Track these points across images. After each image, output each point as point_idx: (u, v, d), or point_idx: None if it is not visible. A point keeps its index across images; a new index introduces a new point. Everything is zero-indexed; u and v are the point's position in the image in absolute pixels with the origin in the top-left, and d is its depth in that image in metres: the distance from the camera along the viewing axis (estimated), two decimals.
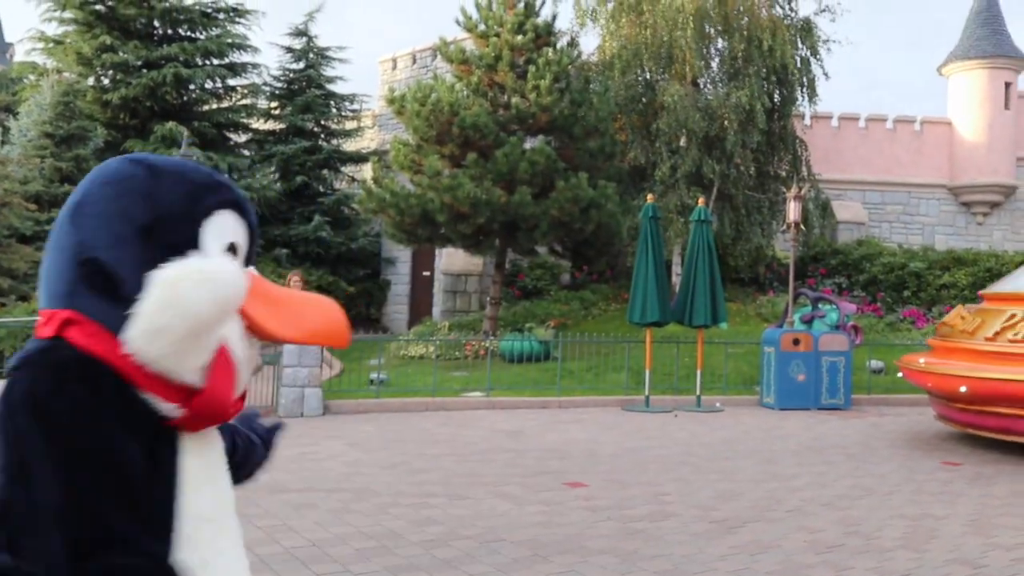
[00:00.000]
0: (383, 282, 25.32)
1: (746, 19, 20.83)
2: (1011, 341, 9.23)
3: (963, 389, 9.31)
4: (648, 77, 21.78)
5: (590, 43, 22.95)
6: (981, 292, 11.13)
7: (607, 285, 21.92)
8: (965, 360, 9.57)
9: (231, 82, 24.89)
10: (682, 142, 20.47)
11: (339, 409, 12.67)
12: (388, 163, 19.20)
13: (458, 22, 18.25)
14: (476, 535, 5.98)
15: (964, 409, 9.78)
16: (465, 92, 17.55)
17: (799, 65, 21.43)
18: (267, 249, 22.92)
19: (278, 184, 24.06)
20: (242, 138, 25.92)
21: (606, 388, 14.63)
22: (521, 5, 18.11)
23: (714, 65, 21.93)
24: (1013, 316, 9.41)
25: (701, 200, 14.97)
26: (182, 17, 23.46)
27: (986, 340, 9.49)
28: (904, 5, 65.24)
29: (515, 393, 14.11)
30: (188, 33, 23.99)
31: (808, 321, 14.45)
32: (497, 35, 17.73)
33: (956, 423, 10.23)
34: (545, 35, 18.00)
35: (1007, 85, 25.16)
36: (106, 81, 23.19)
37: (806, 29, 21.78)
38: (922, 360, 10.24)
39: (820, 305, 14.78)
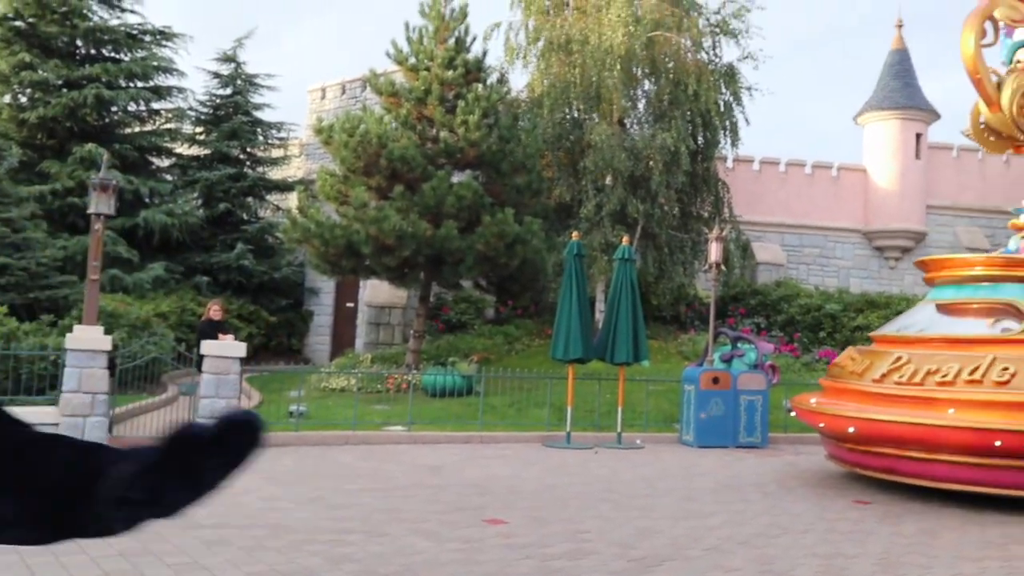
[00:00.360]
0: (306, 313, 25.01)
1: (672, 63, 21.32)
2: (897, 383, 9.31)
3: (851, 430, 9.36)
4: (576, 116, 22.10)
5: (519, 80, 23.29)
6: (871, 334, 11.24)
7: (531, 320, 22.01)
8: (854, 401, 9.66)
9: (155, 105, 24.47)
10: (608, 181, 20.76)
11: None
12: (314, 193, 19.07)
13: (388, 55, 18.30)
14: (393, 573, 5.91)
15: (852, 449, 9.85)
16: (394, 124, 17.56)
17: (722, 109, 21.98)
18: (187, 277, 22.48)
19: (200, 210, 23.67)
20: (165, 163, 25.46)
21: (528, 424, 14.64)
22: (452, 41, 18.23)
23: (641, 106, 22.37)
24: (899, 358, 9.49)
25: (625, 239, 15.18)
26: (106, 37, 23.04)
27: (874, 382, 9.58)
28: (824, 55, 67.52)
29: (437, 427, 14.03)
30: (112, 54, 23.54)
31: (727, 360, 14.70)
32: (427, 69, 17.80)
33: (844, 463, 10.32)
34: (475, 71, 18.14)
35: (918, 136, 26.18)
36: (24, 99, 22.59)
37: (730, 75, 22.37)
38: (813, 400, 10.30)
39: (739, 344, 15.06)
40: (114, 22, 23.45)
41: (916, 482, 9.20)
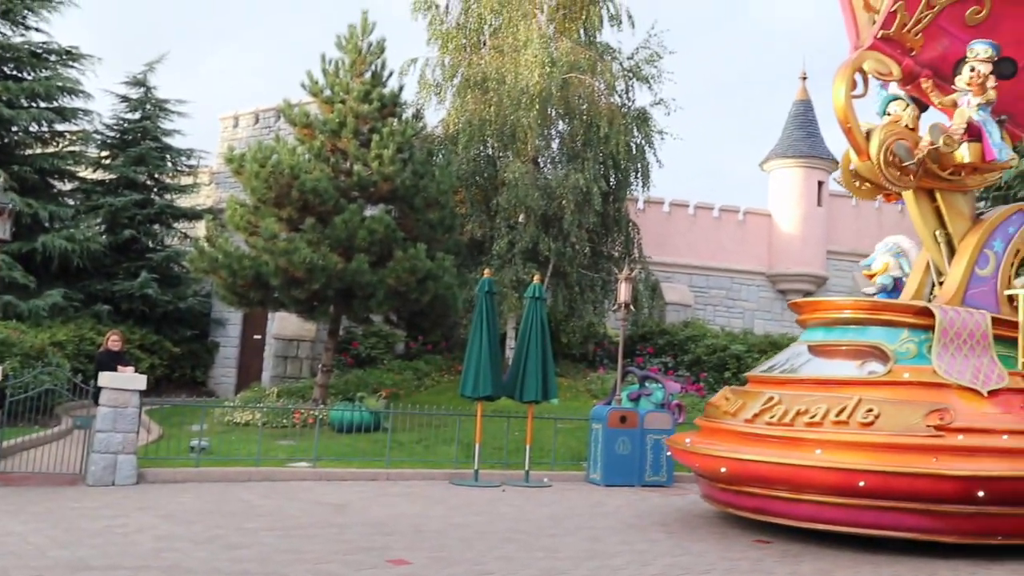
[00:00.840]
0: (211, 344, 24.45)
1: (586, 105, 21.70)
2: (768, 423, 9.35)
3: (723, 470, 9.40)
4: (491, 153, 22.28)
5: (435, 116, 23.37)
6: (747, 374, 11.31)
7: (441, 356, 21.93)
8: (726, 441, 9.68)
9: (59, 127, 23.73)
10: (521, 219, 20.94)
11: (155, 478, 12.04)
12: (223, 222, 18.72)
13: (304, 86, 18.16)
14: None
15: (724, 489, 9.87)
16: (307, 156, 17.40)
17: (634, 152, 22.43)
18: (87, 305, 21.76)
19: (104, 237, 22.99)
20: (68, 186, 24.66)
21: (436, 461, 14.53)
22: (369, 75, 18.21)
23: (555, 146, 22.67)
24: (771, 399, 9.56)
25: (536, 277, 15.29)
26: (8, 55, 22.32)
27: (745, 422, 9.61)
28: (736, 103, 69.61)
29: (343, 464, 13.81)
30: (14, 72, 22.80)
31: (635, 399, 14.86)
32: (343, 102, 17.73)
33: (717, 502, 10.32)
34: (391, 105, 18.14)
35: (820, 184, 27.17)
36: None
37: (642, 119, 22.86)
38: (688, 440, 10.29)
39: (647, 383, 15.25)
40: (17, 39, 22.75)
41: (784, 522, 9.30)
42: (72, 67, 23.60)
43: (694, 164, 61.42)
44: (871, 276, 11.48)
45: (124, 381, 11.84)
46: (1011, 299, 10.02)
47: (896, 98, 10.31)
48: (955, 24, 10.05)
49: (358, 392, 18.00)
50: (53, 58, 23.34)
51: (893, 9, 9.63)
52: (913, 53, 9.99)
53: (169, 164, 25.67)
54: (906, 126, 10.06)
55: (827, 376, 9.72)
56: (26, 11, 22.74)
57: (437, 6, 23.65)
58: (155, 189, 25.23)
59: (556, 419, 15.89)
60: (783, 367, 10.45)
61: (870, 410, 8.82)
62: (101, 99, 34.65)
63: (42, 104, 22.93)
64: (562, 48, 21.41)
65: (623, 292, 15.97)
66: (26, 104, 22.47)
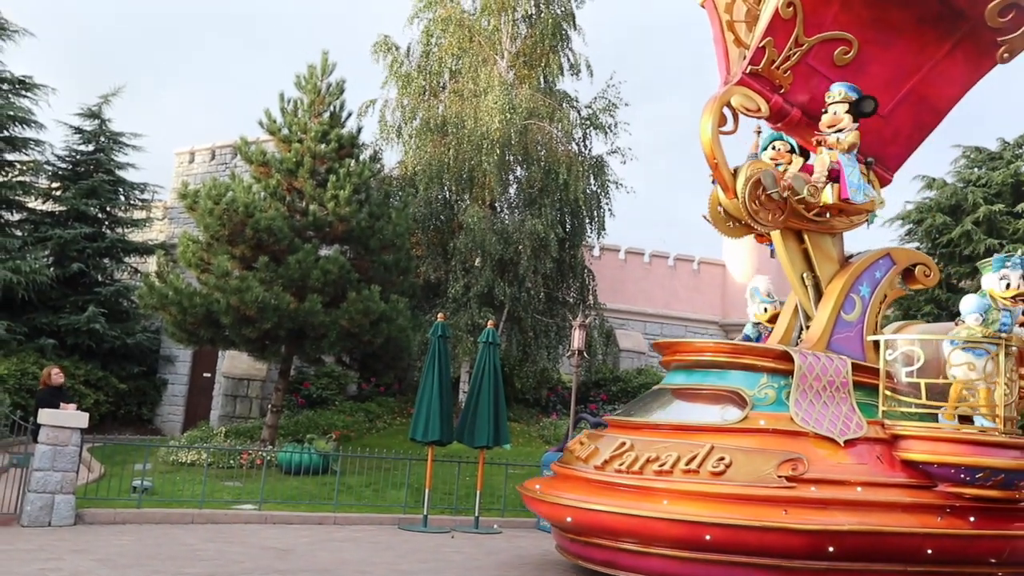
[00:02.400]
0: (159, 381, 24.00)
1: (544, 152, 21.89)
2: (617, 471, 8.83)
3: (569, 519, 8.91)
4: (448, 196, 22.34)
5: (393, 157, 23.43)
6: (607, 417, 10.74)
7: (394, 398, 21.76)
8: (574, 489, 9.11)
9: (8, 156, 23.32)
10: (477, 262, 20.96)
11: (94, 519, 11.71)
12: (175, 258, 18.48)
13: (261, 124, 18.10)
14: None
15: (574, 540, 9.34)
16: (263, 194, 17.30)
17: (590, 199, 22.62)
18: (31, 338, 21.27)
19: (51, 269, 22.54)
20: (15, 216, 24.19)
21: (385, 505, 14.32)
22: (327, 115, 18.21)
23: (512, 191, 22.80)
24: (623, 444, 9.07)
25: (491, 322, 15.26)
26: None
27: (595, 468, 9.07)
28: (690, 153, 70.69)
29: (290, 507, 13.56)
30: None
31: None
32: (300, 141, 17.69)
33: (569, 554, 9.76)
34: (349, 146, 18.13)
35: None
36: None
37: (599, 167, 23.10)
38: (538, 487, 9.72)
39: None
40: None
41: None
42: (25, 96, 23.26)
43: (650, 213, 62.12)
44: (765, 320, 11.36)
45: (65, 418, 11.55)
46: (876, 345, 9.65)
47: (780, 138, 10.22)
48: (824, 64, 9.88)
49: (308, 434, 17.75)
50: (5, 87, 22.99)
51: (761, 45, 9.44)
52: (782, 91, 9.80)
53: (122, 198, 25.33)
54: (784, 170, 9.88)
55: (680, 422, 9.26)
56: None
57: (398, 48, 23.82)
58: (106, 222, 24.87)
59: (508, 465, 15.78)
60: (640, 411, 10.00)
61: (721, 458, 8.43)
62: (54, 130, 34.27)
63: None
64: (522, 94, 21.62)
65: (577, 338, 16.02)
66: None
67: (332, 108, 18.36)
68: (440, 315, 14.77)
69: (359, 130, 18.70)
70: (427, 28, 23.71)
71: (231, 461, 16.20)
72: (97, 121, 25.34)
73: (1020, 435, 8.82)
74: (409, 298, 18.30)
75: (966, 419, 8.90)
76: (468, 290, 20.73)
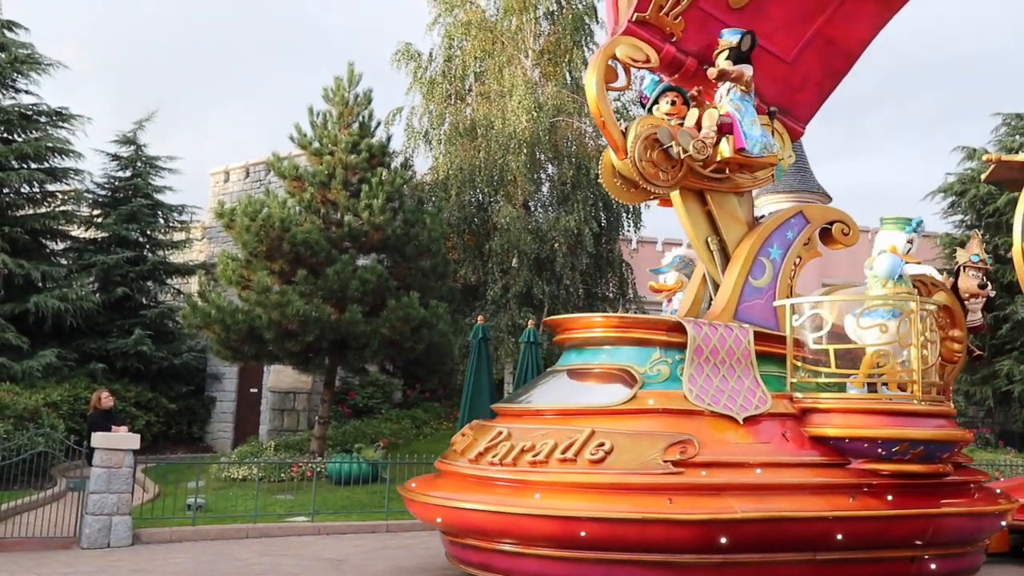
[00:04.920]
0: (207, 399, 24.31)
1: (575, 147, 21.84)
2: (490, 464, 7.89)
3: (439, 520, 8.09)
4: (481, 199, 22.39)
5: (424, 163, 23.51)
6: (494, 406, 9.72)
7: (439, 403, 21.84)
8: (447, 486, 8.27)
9: (50, 187, 23.74)
10: (513, 263, 20.98)
11: (151, 538, 11.88)
12: (216, 277, 18.70)
13: (292, 139, 18.26)
14: None
15: (453, 542, 8.47)
16: (297, 208, 17.44)
17: None
18: (82, 364, 21.64)
19: (97, 295, 22.94)
20: (60, 246, 24.65)
21: None
22: (356, 125, 18.31)
23: (545, 190, 22.80)
24: (499, 434, 8.12)
25: (531, 322, 15.25)
26: None
27: (469, 462, 8.13)
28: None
29: (342, 517, 13.65)
30: (4, 134, 22.85)
31: None
32: (331, 153, 17.81)
33: (452, 558, 8.78)
34: (379, 155, 18.21)
35: None
36: None
37: None
38: (413, 484, 8.78)
39: None
40: (7, 102, 22.86)
41: None
42: (62, 127, 23.67)
43: None
44: (659, 290, 10.49)
45: (117, 441, 11.73)
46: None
47: (672, 89, 9.18)
48: (718, 8, 9.06)
49: (356, 443, 17.87)
50: (43, 119, 23.42)
51: None
52: (674, 39, 8.96)
53: (161, 220, 25.73)
54: (680, 124, 8.96)
55: (563, 406, 8.35)
56: (16, 74, 22.88)
57: (420, 54, 23.91)
58: (147, 246, 25.24)
59: None
60: (524, 396, 9.21)
61: (601, 444, 7.50)
62: (92, 158, 35.06)
63: (33, 165, 22.96)
64: (548, 92, 21.61)
65: None
66: (16, 165, 22.51)
67: (361, 118, 18.47)
68: (480, 317, 14.81)
69: (389, 138, 18.82)
70: (448, 33, 23.77)
71: (282, 474, 16.36)
72: (133, 147, 25.75)
73: (941, 402, 8.05)
74: (448, 302, 18.35)
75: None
76: (506, 291, 20.75)
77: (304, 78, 72.31)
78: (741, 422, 7.75)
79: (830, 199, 27.52)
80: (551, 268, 21.10)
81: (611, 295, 22.99)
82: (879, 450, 7.55)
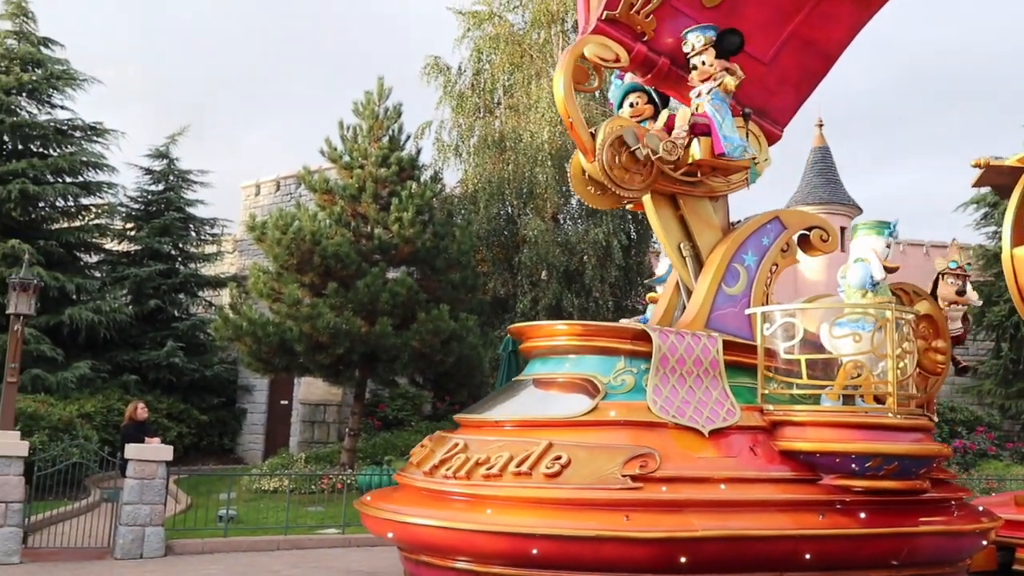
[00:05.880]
0: (238, 411, 24.46)
1: None
2: (444, 477, 7.49)
3: (390, 535, 7.69)
4: (510, 211, 22.40)
5: (453, 176, 23.56)
6: (456, 416, 9.25)
7: None
8: (399, 499, 7.85)
9: (84, 201, 24.13)
10: (543, 275, 20.96)
11: (183, 549, 11.95)
12: (247, 289, 18.84)
13: (323, 152, 18.40)
14: None
15: (407, 558, 8.05)
16: (328, 222, 17.55)
17: None
18: (115, 375, 21.87)
19: (130, 307, 23.19)
20: (93, 259, 24.99)
21: None
22: (386, 139, 18.42)
23: (573, 202, 22.77)
24: (455, 446, 7.71)
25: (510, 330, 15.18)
26: (34, 133, 22.75)
27: (424, 475, 7.73)
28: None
29: None
30: (40, 149, 23.23)
31: None
32: (361, 167, 17.92)
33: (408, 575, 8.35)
34: (409, 168, 18.31)
35: (842, 229, 26.99)
36: None
37: None
38: (368, 498, 8.35)
39: None
40: (43, 118, 23.23)
41: None
42: (97, 142, 24.04)
43: None
44: (655, 301, 9.82)
45: (150, 452, 11.82)
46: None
47: (636, 89, 8.85)
48: (692, 6, 8.67)
49: (386, 455, 17.90)
50: (78, 134, 23.80)
51: None
52: (646, 38, 8.58)
53: (193, 234, 26.02)
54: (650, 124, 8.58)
55: (523, 417, 7.91)
56: (51, 90, 23.27)
57: (449, 68, 24.01)
58: (179, 259, 25.51)
59: None
60: (486, 406, 8.77)
61: (558, 457, 7.10)
62: (126, 172, 35.30)
63: (67, 179, 23.33)
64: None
65: None
66: (52, 180, 22.87)
67: (391, 132, 18.58)
68: (509, 330, 14.76)
69: (418, 152, 18.93)
70: (477, 46, 23.86)
71: (312, 487, 16.41)
72: (166, 161, 26.07)
73: (917, 416, 7.64)
74: (478, 315, 18.37)
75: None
76: (536, 304, 20.73)
77: (335, 92, 72.89)
78: (707, 435, 7.36)
79: (860, 211, 27.33)
80: (580, 280, 21.06)
81: (641, 307, 22.89)
82: (851, 465, 7.18)
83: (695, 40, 8.13)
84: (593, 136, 8.08)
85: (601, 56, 8.24)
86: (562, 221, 22.67)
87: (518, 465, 7.12)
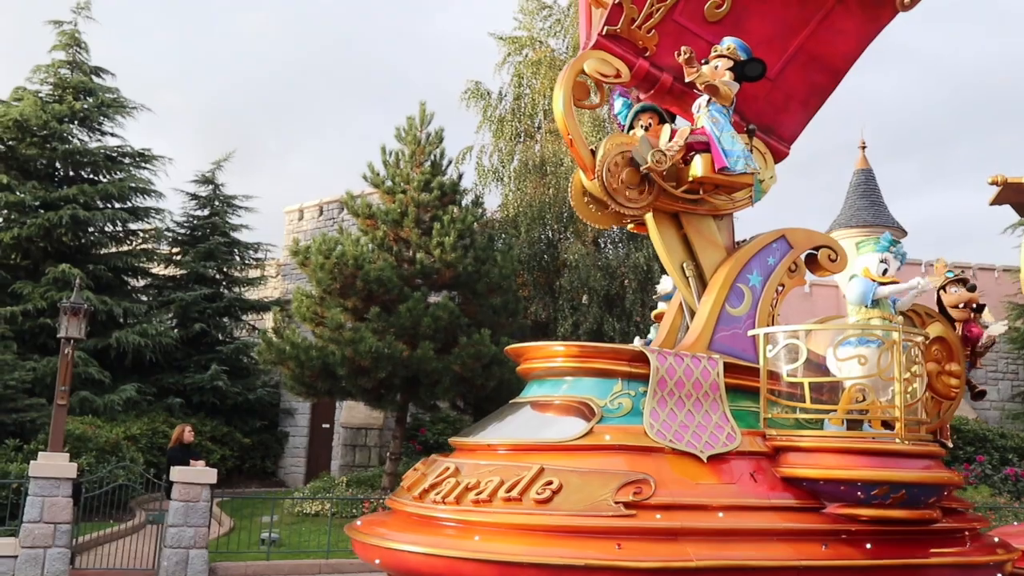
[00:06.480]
0: (280, 434, 24.62)
1: None
2: (433, 502, 7.21)
3: (377, 562, 7.31)
4: (550, 235, 22.42)
5: (494, 200, 23.66)
6: (451, 439, 8.75)
7: None
8: (389, 524, 7.56)
9: (132, 226, 24.59)
10: (584, 300, 20.91)
11: (226, 572, 12.04)
12: (290, 313, 19.02)
13: (365, 178, 18.56)
14: None
15: None
16: (370, 246, 17.68)
17: None
18: (160, 398, 22.15)
19: (175, 331, 23.52)
20: (140, 283, 25.42)
21: None
22: (428, 164, 18.55)
23: (614, 226, 22.72)
24: (447, 469, 7.42)
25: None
26: (85, 160, 23.28)
27: (414, 499, 7.40)
28: (795, 174, 69.32)
29: None
30: (90, 175, 23.75)
31: None
32: (404, 192, 18.05)
33: None
34: (451, 193, 18.40)
35: None
36: None
37: None
38: (359, 522, 7.98)
39: None
40: (93, 145, 23.75)
41: None
42: (145, 168, 24.52)
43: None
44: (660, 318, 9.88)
45: (195, 475, 11.94)
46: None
47: (648, 110, 8.67)
48: (695, 21, 8.46)
49: None
50: (127, 160, 24.30)
51: (618, 1, 8.12)
52: (648, 54, 8.40)
53: (237, 258, 26.35)
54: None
55: (516, 441, 7.59)
56: (102, 118, 23.80)
57: (489, 94, 24.16)
58: (224, 283, 25.84)
59: None
60: (480, 429, 8.41)
61: (548, 483, 6.82)
62: (172, 198, 35.95)
63: (116, 205, 23.81)
64: (616, 127, 21.61)
65: None
66: (101, 205, 23.34)
67: (432, 157, 18.70)
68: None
69: (460, 176, 19.04)
70: (517, 71, 23.99)
71: (354, 510, 16.43)
72: (211, 186, 26.49)
73: (929, 442, 7.35)
74: (519, 339, 18.31)
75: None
76: (577, 328, 20.68)
77: (379, 116, 73.76)
78: (705, 460, 7.09)
79: (905, 233, 26.97)
80: (621, 305, 20.99)
81: None
82: (857, 493, 6.90)
83: (727, 46, 7.83)
84: (593, 153, 8.02)
85: (601, 71, 8.03)
86: (603, 245, 22.64)
87: (508, 490, 6.86)
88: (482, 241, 18.77)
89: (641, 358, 7.45)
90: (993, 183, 9.20)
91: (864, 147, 28.04)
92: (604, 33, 8.38)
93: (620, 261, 21.17)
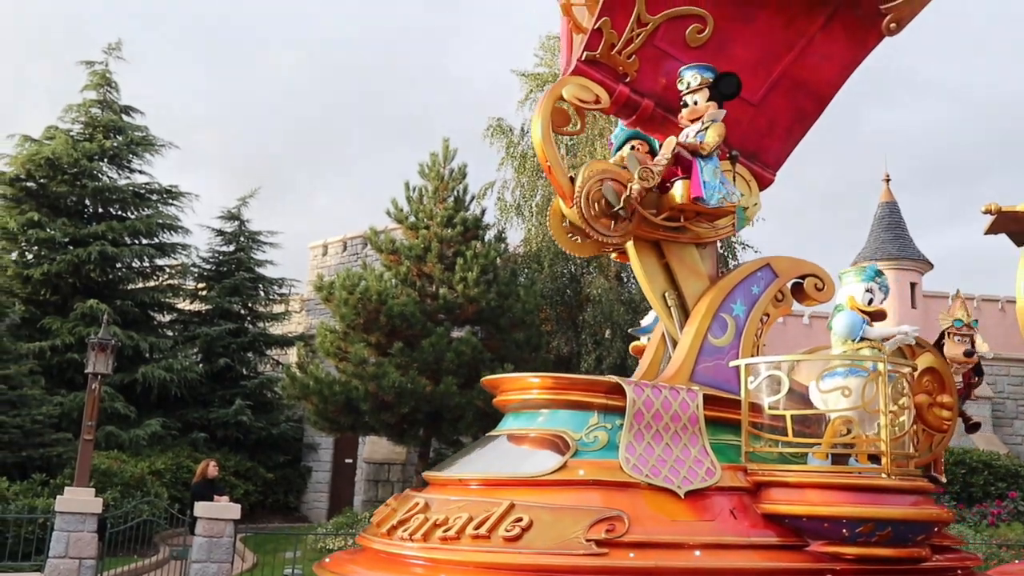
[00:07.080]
0: (303, 469, 24.63)
1: None
2: (401, 539, 6.85)
3: None
4: (573, 270, 22.43)
5: (516, 235, 23.74)
6: (425, 474, 9.41)
7: None
8: (355, 561, 7.16)
9: (159, 262, 24.86)
10: (607, 334, 20.86)
11: None
12: (314, 348, 19.11)
13: (389, 213, 18.70)
14: None
15: None
16: (394, 282, 17.78)
17: (718, 262, 22.29)
18: (184, 432, 22.24)
19: (200, 366, 23.67)
20: (166, 318, 25.64)
21: None
22: (451, 200, 18.67)
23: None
24: (416, 505, 7.07)
25: None
26: (114, 197, 23.62)
27: (382, 536, 7.03)
28: (817, 207, 69.26)
29: None
30: (119, 212, 24.07)
31: None
32: (427, 227, 18.16)
33: None
34: (474, 228, 18.50)
35: (912, 285, 26.47)
36: (29, 256, 22.94)
37: None
38: (327, 559, 8.54)
39: None
40: (122, 182, 24.11)
41: None
42: (172, 204, 24.84)
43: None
44: (642, 351, 9.57)
45: (219, 511, 11.94)
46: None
47: (638, 136, 8.38)
48: (676, 46, 8.10)
49: None
50: (155, 197, 24.62)
51: (597, 27, 7.80)
52: (628, 79, 8.04)
53: (262, 293, 26.53)
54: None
55: (488, 476, 7.23)
56: (131, 155, 24.18)
57: (512, 130, 24.33)
58: (248, 318, 26.01)
59: None
60: (453, 463, 8.78)
61: (518, 520, 6.45)
62: (198, 234, 36.58)
63: (144, 241, 24.11)
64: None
65: None
66: (129, 241, 23.64)
67: (455, 193, 18.83)
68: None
69: (483, 212, 19.15)
70: None
71: None
72: (237, 222, 26.75)
73: (916, 477, 7.02)
74: None
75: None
76: (600, 363, 20.62)
77: (403, 153, 74.43)
78: (683, 496, 6.70)
79: (931, 266, 26.77)
80: None
81: None
82: (842, 531, 6.53)
83: (691, 78, 7.61)
84: (572, 180, 7.82)
85: (580, 98, 7.62)
86: (626, 280, 22.62)
87: (476, 527, 6.47)
88: (505, 276, 18.82)
89: (617, 390, 6.91)
90: (987, 212, 8.96)
91: (888, 180, 27.92)
92: (583, 59, 8.27)
93: (643, 295, 21.14)
